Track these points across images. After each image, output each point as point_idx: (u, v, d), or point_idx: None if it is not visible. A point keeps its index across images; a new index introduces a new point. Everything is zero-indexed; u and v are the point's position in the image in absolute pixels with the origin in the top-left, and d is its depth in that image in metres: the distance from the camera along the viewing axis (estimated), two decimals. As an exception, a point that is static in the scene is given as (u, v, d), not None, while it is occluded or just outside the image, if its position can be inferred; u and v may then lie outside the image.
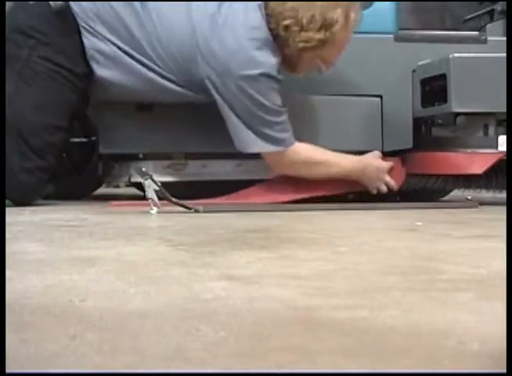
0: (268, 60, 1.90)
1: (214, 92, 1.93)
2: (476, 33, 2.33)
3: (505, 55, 2.00)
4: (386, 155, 2.20)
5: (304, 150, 2.01)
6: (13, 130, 1.87)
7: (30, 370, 0.40)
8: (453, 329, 0.49)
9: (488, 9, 2.42)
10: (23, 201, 1.90)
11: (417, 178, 2.17)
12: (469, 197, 2.16)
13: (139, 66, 1.95)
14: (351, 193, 2.25)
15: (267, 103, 1.91)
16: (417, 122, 2.24)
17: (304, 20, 1.88)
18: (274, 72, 1.91)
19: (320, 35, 1.89)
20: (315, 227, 1.40)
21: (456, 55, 2.06)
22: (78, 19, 1.93)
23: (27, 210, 1.73)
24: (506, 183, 2.02)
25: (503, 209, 1.77)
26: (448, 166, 2.10)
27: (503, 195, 2.15)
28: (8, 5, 1.96)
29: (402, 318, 0.52)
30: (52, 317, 0.52)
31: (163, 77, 1.96)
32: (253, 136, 1.94)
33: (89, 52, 1.95)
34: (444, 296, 0.61)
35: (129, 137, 2.17)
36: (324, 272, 0.75)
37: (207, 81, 1.93)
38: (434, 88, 2.15)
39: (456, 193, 2.52)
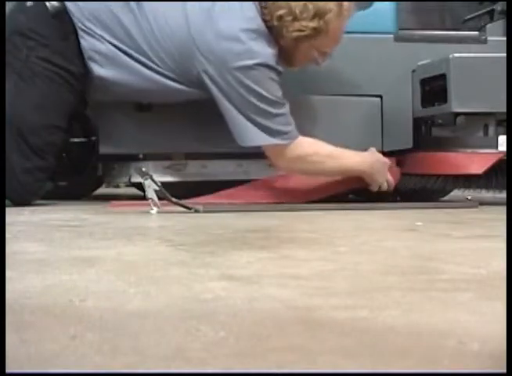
0: (265, 50, 1.90)
1: (211, 85, 1.93)
2: (476, 33, 2.33)
3: (505, 55, 2.00)
4: (383, 155, 2.20)
5: (309, 144, 1.99)
6: (13, 130, 1.88)
7: (30, 370, 0.40)
8: (453, 329, 0.49)
9: (488, 9, 2.42)
10: (23, 201, 1.90)
11: (417, 178, 2.17)
12: (469, 197, 2.16)
13: (138, 65, 1.95)
14: (351, 193, 2.25)
15: (266, 94, 1.90)
16: (417, 122, 2.24)
17: (297, 10, 1.89)
18: (272, 62, 1.91)
19: (314, 24, 1.90)
20: (315, 227, 1.40)
21: (456, 55, 2.06)
22: (75, 20, 1.94)
23: (27, 210, 1.73)
24: (506, 183, 2.02)
25: (503, 209, 1.77)
26: (448, 166, 2.10)
27: (503, 195, 2.15)
28: (6, 6, 1.97)
29: (402, 318, 0.52)
30: (52, 317, 0.52)
31: (161, 74, 1.96)
32: (254, 129, 1.92)
33: (87, 52, 1.95)
34: (444, 296, 0.61)
35: (129, 137, 2.17)
36: (324, 272, 0.75)
37: (204, 75, 1.92)
38: (434, 88, 2.15)
39: (456, 193, 2.52)
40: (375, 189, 2.11)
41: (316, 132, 2.12)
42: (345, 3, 1.94)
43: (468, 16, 2.56)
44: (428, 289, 0.65)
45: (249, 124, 1.92)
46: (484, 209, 1.92)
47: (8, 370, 0.39)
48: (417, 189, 2.19)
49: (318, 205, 1.89)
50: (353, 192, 2.26)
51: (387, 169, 2.11)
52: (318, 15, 1.90)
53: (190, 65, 1.93)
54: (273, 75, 1.91)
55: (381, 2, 2.23)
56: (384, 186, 2.11)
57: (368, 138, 2.23)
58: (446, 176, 2.11)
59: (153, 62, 1.95)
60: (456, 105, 2.04)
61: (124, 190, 3.76)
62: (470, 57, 2.07)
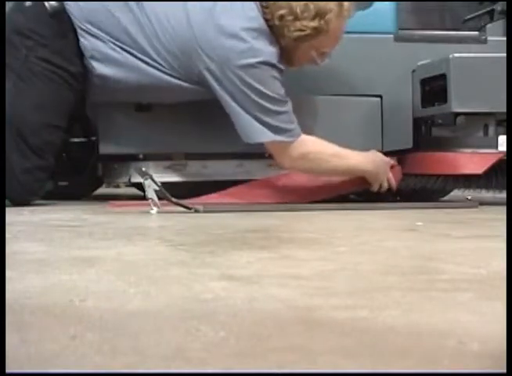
0: (267, 49, 1.91)
1: (214, 83, 1.93)
2: (476, 33, 2.33)
3: (505, 55, 2.00)
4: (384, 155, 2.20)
5: (313, 143, 2.00)
6: (12, 130, 1.88)
7: (30, 370, 0.40)
8: (453, 329, 0.49)
9: (488, 9, 2.42)
10: (23, 201, 1.90)
11: (417, 178, 2.17)
12: (469, 197, 2.16)
13: (140, 63, 1.95)
14: (351, 193, 2.25)
15: (268, 92, 1.91)
16: (417, 122, 2.24)
17: (298, 9, 1.90)
18: (274, 60, 1.91)
19: (314, 23, 1.91)
20: (315, 227, 1.40)
21: (456, 55, 2.06)
22: (74, 20, 1.94)
23: (27, 210, 1.73)
24: (506, 183, 2.02)
25: (503, 209, 1.77)
26: (448, 166, 2.10)
27: (503, 195, 2.15)
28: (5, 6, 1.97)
29: (402, 318, 0.52)
30: (52, 317, 0.52)
31: (164, 72, 1.96)
32: (259, 126, 1.93)
33: (89, 51, 1.95)
34: (444, 296, 0.61)
35: (129, 137, 2.17)
36: (324, 272, 0.75)
37: (206, 73, 1.92)
38: (434, 88, 2.15)
39: (456, 193, 2.52)
40: (375, 189, 2.11)
41: (316, 132, 2.11)
42: (345, 3, 1.94)
43: (468, 16, 2.56)
44: (428, 289, 0.65)
45: (253, 122, 1.93)
46: (484, 209, 1.92)
47: (8, 370, 0.39)
48: (417, 189, 2.19)
49: (318, 205, 1.89)
50: (353, 192, 2.25)
51: (389, 169, 2.12)
52: (319, 15, 1.90)
53: (192, 63, 1.93)
54: (276, 73, 1.92)
55: (381, 2, 2.23)
56: (385, 186, 2.11)
57: (368, 138, 2.23)
58: (446, 176, 2.11)
59: (155, 60, 1.95)
60: (456, 105, 2.04)
61: (124, 190, 3.76)
62: (470, 57, 2.07)
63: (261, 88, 1.90)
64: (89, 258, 0.83)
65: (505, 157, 2.02)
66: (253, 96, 1.90)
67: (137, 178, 1.97)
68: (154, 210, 1.62)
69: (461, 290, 0.64)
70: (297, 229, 1.39)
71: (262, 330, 0.48)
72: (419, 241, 1.11)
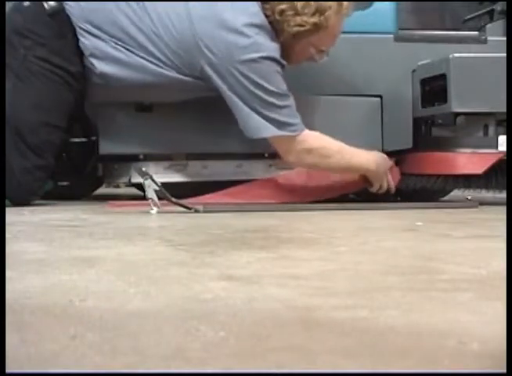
0: (269, 45, 1.92)
1: (217, 78, 1.93)
2: (476, 33, 2.33)
3: (505, 55, 2.00)
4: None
5: (317, 138, 2.00)
6: (12, 129, 1.88)
7: (30, 370, 0.40)
8: (453, 329, 0.49)
9: (488, 9, 2.42)
10: (23, 201, 1.90)
11: (417, 178, 2.17)
12: (469, 197, 2.16)
13: (141, 60, 1.95)
14: (351, 193, 2.25)
15: (271, 87, 1.91)
16: (417, 122, 2.24)
17: (299, 5, 1.92)
18: (276, 55, 1.92)
19: (314, 19, 1.92)
20: (315, 227, 1.40)
21: (456, 55, 2.06)
22: (73, 19, 1.94)
23: (27, 210, 1.73)
24: (506, 183, 2.02)
25: (503, 209, 1.77)
26: (448, 166, 2.10)
27: (503, 195, 2.15)
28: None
29: (402, 318, 0.52)
30: (52, 317, 0.52)
31: (165, 69, 1.96)
32: (262, 121, 1.93)
33: (89, 50, 1.95)
34: (444, 296, 0.61)
35: (129, 137, 2.17)
36: (324, 272, 0.75)
37: (209, 69, 1.92)
38: (434, 88, 2.15)
39: (456, 193, 2.52)
40: (375, 190, 2.11)
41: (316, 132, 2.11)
42: (345, 2, 1.96)
43: (468, 16, 2.56)
44: (428, 289, 0.65)
45: (256, 117, 1.93)
46: (484, 209, 1.92)
47: (8, 370, 0.39)
48: (417, 189, 2.19)
49: (318, 205, 1.89)
50: (353, 192, 2.25)
51: (390, 169, 2.12)
52: (319, 11, 1.92)
53: (194, 59, 1.93)
54: (278, 68, 1.93)
55: (381, 2, 2.23)
56: (384, 187, 2.11)
57: (368, 138, 2.23)
58: (446, 176, 2.11)
59: (156, 58, 1.95)
60: (456, 105, 2.04)
61: (124, 190, 3.76)
62: (470, 57, 2.07)
63: (264, 82, 1.91)
64: (89, 258, 0.83)
65: (505, 157, 2.02)
66: (256, 91, 1.91)
67: (137, 179, 1.97)
68: (154, 210, 1.62)
69: (461, 290, 0.64)
70: (296, 229, 1.39)
71: (262, 330, 0.48)
72: (419, 241, 1.11)
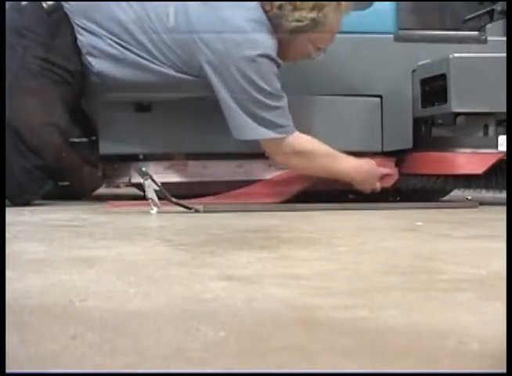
0: (267, 41, 1.93)
1: (214, 76, 1.93)
2: (476, 33, 2.33)
3: (505, 55, 2.00)
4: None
5: (305, 140, 2.00)
6: (11, 129, 1.88)
7: (30, 370, 0.40)
8: (453, 329, 0.49)
9: (488, 9, 2.42)
10: (22, 201, 1.90)
11: (417, 178, 2.17)
12: (469, 197, 2.16)
13: (138, 59, 1.95)
14: (351, 193, 2.25)
15: (266, 87, 1.91)
16: (417, 122, 2.24)
17: (298, 2, 1.92)
18: (273, 53, 1.92)
19: (313, 14, 1.93)
20: (315, 227, 1.40)
21: (456, 55, 2.06)
22: (71, 17, 1.94)
23: (27, 210, 1.73)
24: (506, 183, 2.02)
25: (503, 209, 1.77)
26: (448, 166, 2.10)
27: (503, 195, 2.15)
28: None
29: (402, 318, 0.52)
30: (52, 317, 0.52)
31: (163, 67, 1.96)
32: (251, 123, 1.93)
33: (86, 47, 1.95)
34: (444, 296, 0.61)
35: (129, 137, 2.17)
36: (324, 272, 0.75)
37: (207, 66, 1.92)
38: (434, 88, 2.15)
39: (456, 193, 2.52)
40: (367, 192, 2.12)
41: (316, 132, 2.12)
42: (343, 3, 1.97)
43: (468, 16, 2.56)
44: (428, 289, 0.65)
45: (246, 118, 1.93)
46: (484, 209, 1.91)
47: (8, 370, 0.39)
48: (417, 189, 2.19)
49: (318, 205, 1.89)
50: (353, 192, 2.25)
51: (382, 177, 2.12)
52: (317, 6, 1.93)
53: (193, 57, 1.94)
54: (274, 67, 1.93)
55: (381, 2, 2.23)
56: (367, 191, 2.12)
57: (368, 138, 2.23)
58: (446, 176, 2.11)
59: (154, 56, 1.95)
60: (456, 105, 2.04)
61: (124, 190, 3.76)
62: (470, 57, 2.07)
63: (260, 82, 1.91)
64: (89, 258, 0.83)
65: (505, 157, 2.02)
66: (250, 90, 1.91)
67: (137, 179, 1.97)
68: (154, 210, 1.62)
69: (461, 290, 0.64)
70: (297, 229, 1.39)
71: (262, 330, 0.48)
72: (419, 241, 1.11)
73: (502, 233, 1.14)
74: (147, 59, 1.96)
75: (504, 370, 0.40)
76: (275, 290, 0.63)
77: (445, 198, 2.55)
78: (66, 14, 1.94)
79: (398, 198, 2.34)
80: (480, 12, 2.48)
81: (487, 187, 2.13)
